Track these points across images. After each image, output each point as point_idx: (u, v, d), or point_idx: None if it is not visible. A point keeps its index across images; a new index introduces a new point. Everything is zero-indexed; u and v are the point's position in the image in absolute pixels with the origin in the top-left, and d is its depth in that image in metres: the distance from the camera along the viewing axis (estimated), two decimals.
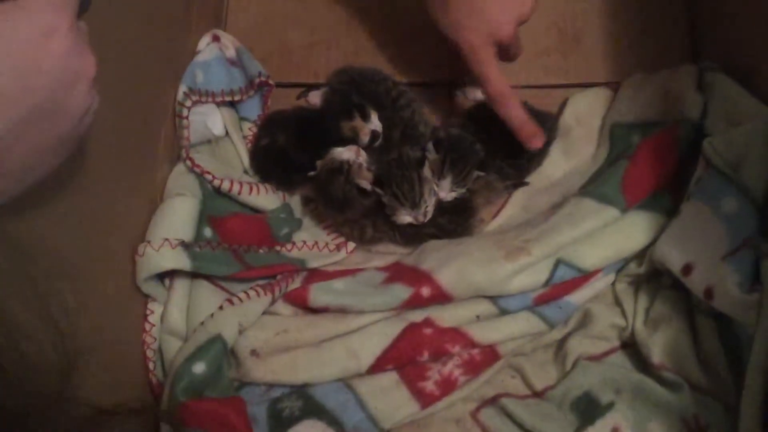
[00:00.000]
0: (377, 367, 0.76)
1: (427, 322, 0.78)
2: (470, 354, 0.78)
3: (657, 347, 0.76)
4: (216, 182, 0.83)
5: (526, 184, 0.90)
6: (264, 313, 0.79)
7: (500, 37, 0.77)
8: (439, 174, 0.83)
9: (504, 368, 0.81)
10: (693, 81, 0.84)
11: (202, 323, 0.75)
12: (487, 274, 0.77)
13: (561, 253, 0.79)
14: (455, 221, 0.86)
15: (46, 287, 0.58)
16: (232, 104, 0.92)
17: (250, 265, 0.79)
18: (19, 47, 0.41)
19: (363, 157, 0.83)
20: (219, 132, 0.89)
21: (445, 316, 0.79)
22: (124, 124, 0.72)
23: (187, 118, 0.84)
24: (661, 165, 0.81)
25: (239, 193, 0.85)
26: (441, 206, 0.84)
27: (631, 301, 0.81)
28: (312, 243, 0.87)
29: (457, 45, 0.78)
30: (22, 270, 0.55)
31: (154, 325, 0.77)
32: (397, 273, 0.81)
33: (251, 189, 0.85)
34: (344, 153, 0.83)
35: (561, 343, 0.81)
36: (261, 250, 0.84)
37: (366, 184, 0.82)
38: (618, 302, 0.82)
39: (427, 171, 0.82)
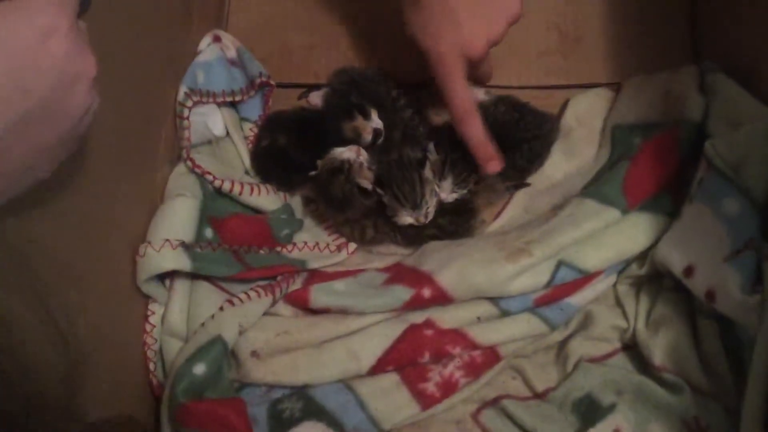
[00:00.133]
0: (378, 368, 0.76)
1: (428, 324, 0.78)
2: (471, 355, 0.78)
3: (658, 349, 0.76)
4: (217, 183, 0.83)
5: (528, 185, 0.90)
6: (264, 314, 0.78)
7: (471, 52, 0.75)
8: (440, 175, 0.83)
9: (505, 370, 0.81)
10: (694, 82, 0.84)
11: (203, 324, 0.75)
12: (488, 275, 0.77)
13: (562, 254, 0.78)
14: (456, 222, 0.86)
15: (46, 288, 0.58)
16: (232, 105, 0.92)
17: (251, 266, 0.79)
18: (18, 47, 0.41)
19: (364, 156, 0.83)
20: (220, 132, 0.89)
21: (446, 318, 0.79)
22: (125, 124, 0.72)
23: (187, 118, 0.84)
24: (662, 166, 0.81)
25: (240, 194, 0.84)
26: (442, 207, 0.84)
27: (632, 303, 0.81)
28: (313, 244, 0.87)
29: (427, 53, 0.76)
30: (21, 271, 0.55)
31: (154, 326, 0.77)
32: (397, 274, 0.81)
33: (252, 190, 0.85)
34: (345, 153, 0.82)
35: (562, 345, 0.81)
36: (262, 251, 0.84)
37: (366, 184, 0.81)
38: (619, 304, 0.82)
39: (428, 172, 0.82)
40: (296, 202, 0.92)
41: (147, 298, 0.77)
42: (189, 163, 0.83)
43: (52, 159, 0.47)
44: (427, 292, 0.77)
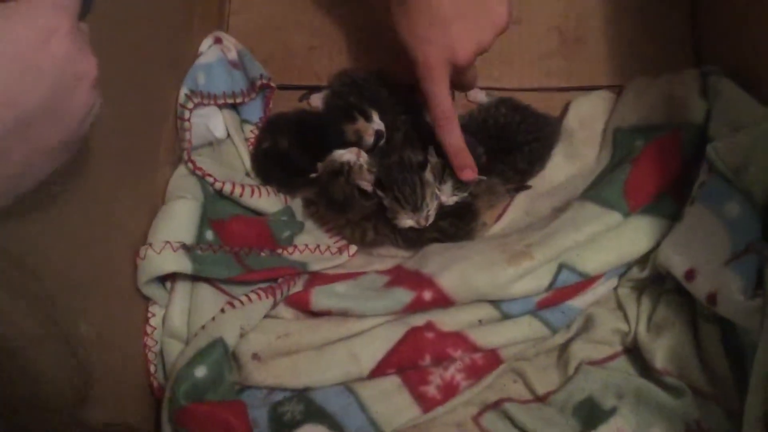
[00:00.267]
0: (379, 371, 0.76)
1: (429, 326, 0.78)
2: (472, 358, 0.78)
3: (660, 352, 0.75)
4: (217, 185, 0.83)
5: (529, 187, 0.90)
6: (265, 316, 0.78)
7: (457, 58, 0.74)
8: (440, 177, 0.82)
9: (506, 373, 0.80)
10: (696, 85, 0.84)
11: (204, 326, 0.74)
12: (489, 278, 0.77)
13: (563, 257, 0.78)
14: (457, 225, 0.86)
15: (46, 291, 0.58)
16: (233, 107, 0.92)
17: (252, 268, 0.79)
18: (18, 48, 0.41)
19: (364, 158, 0.83)
20: (221, 134, 0.89)
21: (447, 320, 0.79)
22: (126, 126, 0.72)
23: (188, 120, 0.84)
24: (664, 169, 0.81)
25: (241, 196, 0.84)
26: (443, 210, 0.84)
27: (633, 306, 0.81)
28: (314, 246, 0.87)
29: (412, 57, 0.76)
30: (21, 274, 0.55)
31: (155, 328, 0.77)
32: (398, 277, 0.81)
33: (253, 192, 0.85)
34: (345, 155, 0.82)
35: (563, 348, 0.81)
36: (262, 253, 0.83)
37: (367, 185, 0.81)
38: (621, 307, 0.82)
39: (429, 174, 0.82)
40: (297, 204, 0.92)
41: (147, 300, 0.77)
42: (190, 165, 0.83)
43: (53, 160, 0.47)
44: (428, 295, 0.77)
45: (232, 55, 0.93)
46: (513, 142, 0.87)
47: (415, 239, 0.86)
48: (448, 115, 0.78)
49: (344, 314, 0.78)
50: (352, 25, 1.00)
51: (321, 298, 0.79)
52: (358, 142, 0.85)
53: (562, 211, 0.84)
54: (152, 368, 0.76)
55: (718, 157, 0.72)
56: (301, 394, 0.76)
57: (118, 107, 0.65)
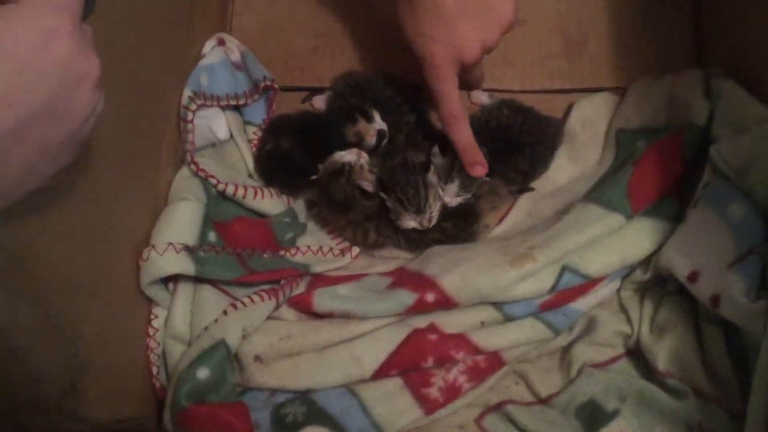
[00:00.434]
0: (381, 372, 0.76)
1: (432, 328, 0.78)
2: (475, 360, 0.78)
3: (662, 354, 0.75)
4: (220, 186, 0.83)
5: (532, 189, 0.90)
6: (268, 318, 0.78)
7: (464, 56, 0.75)
8: (446, 178, 0.82)
9: (508, 375, 0.80)
10: (699, 86, 0.84)
11: (206, 328, 0.74)
12: (491, 280, 0.77)
13: (566, 259, 0.78)
14: (460, 226, 0.86)
15: (49, 292, 0.58)
16: (236, 108, 0.92)
17: (254, 270, 0.79)
18: (20, 49, 0.41)
19: (365, 159, 0.83)
20: (223, 136, 0.89)
21: (450, 322, 0.78)
22: (128, 127, 0.72)
23: (191, 122, 0.84)
24: (666, 171, 0.81)
25: (243, 197, 0.84)
26: (446, 211, 0.84)
27: (636, 308, 0.81)
28: (316, 248, 0.87)
29: (420, 56, 0.76)
30: (24, 276, 0.55)
31: (157, 330, 0.77)
32: (401, 278, 0.81)
33: (255, 193, 0.85)
34: (345, 156, 0.82)
35: (566, 350, 0.81)
36: (265, 255, 0.83)
37: (368, 186, 0.81)
38: (623, 309, 0.82)
39: (432, 176, 0.82)
40: (299, 205, 0.92)
41: (150, 301, 0.77)
42: (193, 166, 0.83)
43: (55, 161, 0.47)
44: (430, 297, 0.77)
45: (235, 56, 0.93)
46: (515, 144, 0.87)
47: (417, 240, 0.86)
48: (456, 113, 0.78)
49: (347, 316, 0.78)
50: (355, 25, 1.00)
51: (323, 299, 0.79)
52: (359, 143, 0.85)
53: (565, 213, 0.83)
54: (154, 370, 0.76)
55: (721, 158, 0.72)
56: (303, 396, 0.76)
57: (121, 109, 0.65)
